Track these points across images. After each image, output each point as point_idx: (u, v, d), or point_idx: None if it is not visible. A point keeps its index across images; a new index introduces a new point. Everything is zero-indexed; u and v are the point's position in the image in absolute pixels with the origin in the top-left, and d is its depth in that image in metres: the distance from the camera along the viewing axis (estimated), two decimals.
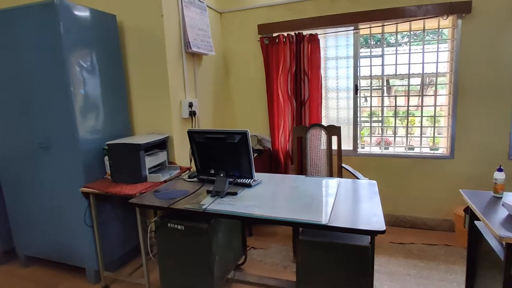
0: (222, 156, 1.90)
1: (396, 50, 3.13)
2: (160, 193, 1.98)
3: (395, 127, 3.19)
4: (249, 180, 2.00)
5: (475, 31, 2.74)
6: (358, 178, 2.56)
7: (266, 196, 1.84)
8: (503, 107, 2.76)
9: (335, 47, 3.24)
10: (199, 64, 2.98)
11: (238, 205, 1.71)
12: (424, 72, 3.03)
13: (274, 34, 3.22)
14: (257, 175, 2.25)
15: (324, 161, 2.98)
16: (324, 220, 1.45)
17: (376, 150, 3.30)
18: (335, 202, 1.70)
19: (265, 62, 3.24)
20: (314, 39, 3.07)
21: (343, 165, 2.95)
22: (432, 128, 3.11)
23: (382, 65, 3.12)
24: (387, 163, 3.15)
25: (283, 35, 3.14)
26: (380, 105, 3.25)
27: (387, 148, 3.31)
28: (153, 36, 2.46)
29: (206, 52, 2.88)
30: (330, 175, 3.00)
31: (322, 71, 3.21)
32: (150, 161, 2.26)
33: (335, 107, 3.32)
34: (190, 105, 2.73)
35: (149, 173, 2.23)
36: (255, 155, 2.94)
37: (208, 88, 3.17)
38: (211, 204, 1.73)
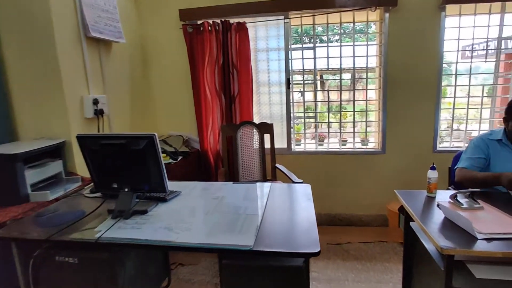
0: (125, 166, 1.51)
1: (328, 43, 3.01)
2: (43, 218, 1.52)
3: (328, 122, 3.08)
4: (165, 193, 1.65)
5: (402, 24, 2.72)
6: (292, 181, 2.36)
7: (184, 212, 1.51)
8: (428, 100, 2.81)
9: (265, 38, 3.01)
10: (108, 54, 2.50)
11: (145, 229, 1.35)
12: (355, 66, 2.96)
13: (199, 22, 2.87)
14: (178, 184, 1.91)
15: (257, 162, 2.74)
16: (248, 244, 1.18)
17: (311, 147, 3.17)
18: (264, 217, 1.44)
19: (189, 53, 2.88)
20: (242, 28, 2.79)
21: (277, 165, 2.74)
22: (365, 123, 3.07)
23: (314, 58, 2.98)
24: (322, 160, 3.03)
25: (208, 22, 2.80)
26: (314, 100, 3.12)
27: (322, 145, 3.20)
28: (35, 16, 1.93)
29: (114, 39, 2.41)
30: (264, 177, 2.77)
31: (252, 64, 2.96)
32: (35, 175, 1.76)
33: (267, 102, 3.10)
34: (95, 102, 2.25)
35: (33, 190, 1.73)
36: (179, 158, 2.58)
37: (122, 82, 2.70)
38: (108, 230, 1.34)
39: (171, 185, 1.89)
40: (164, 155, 2.51)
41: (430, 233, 1.24)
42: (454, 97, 2.93)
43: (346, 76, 3.30)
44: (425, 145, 2.87)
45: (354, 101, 3.02)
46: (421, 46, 2.73)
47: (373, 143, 3.08)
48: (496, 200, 1.51)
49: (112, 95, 2.50)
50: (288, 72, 2.95)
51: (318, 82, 3.34)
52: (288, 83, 2.96)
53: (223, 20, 2.77)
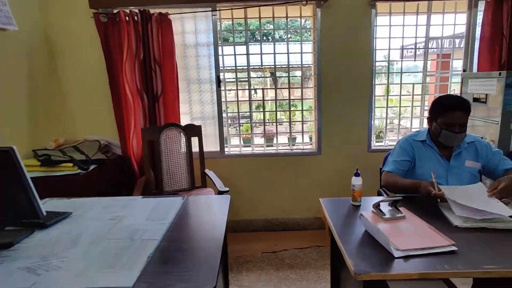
0: None
1: (261, 40, 2.84)
2: None
3: (264, 123, 2.92)
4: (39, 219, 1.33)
5: (334, 20, 2.63)
6: (218, 190, 2.15)
7: (64, 242, 1.22)
8: (362, 98, 2.76)
9: (194, 32, 2.75)
10: None
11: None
12: (290, 64, 2.82)
13: (114, 11, 2.52)
14: (73, 202, 1.60)
15: (183, 169, 2.48)
16: (126, 285, 0.93)
17: (247, 149, 2.98)
18: (163, 242, 1.20)
19: (104, 46, 2.51)
20: (165, 20, 2.50)
21: (206, 171, 2.51)
22: (301, 123, 2.95)
23: (247, 54, 2.79)
24: (257, 163, 2.86)
25: (124, 11, 2.47)
26: (249, 99, 2.94)
27: (248, 147, 3.03)
28: None
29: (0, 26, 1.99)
30: (192, 184, 2.52)
31: (181, 60, 2.70)
32: None
33: (198, 101, 2.85)
34: None
35: None
36: (91, 167, 2.23)
37: (17, 79, 2.28)
38: None
39: (64, 204, 1.59)
40: (70, 164, 2.15)
41: (347, 252, 1.10)
42: (387, 95, 2.93)
43: (297, 73, 3.15)
44: (360, 144, 2.83)
45: (290, 99, 2.89)
46: (354, 43, 2.67)
47: (310, 143, 2.97)
48: (419, 207, 1.43)
49: (3, 95, 2.08)
50: (218, 69, 2.72)
51: (250, 80, 3.13)
52: (218, 81, 2.73)
53: (141, 9, 2.46)
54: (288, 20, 2.78)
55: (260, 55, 2.81)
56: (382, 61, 2.84)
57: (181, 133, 2.48)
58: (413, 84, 3.00)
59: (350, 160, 2.81)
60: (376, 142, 2.96)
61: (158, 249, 1.14)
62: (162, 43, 2.52)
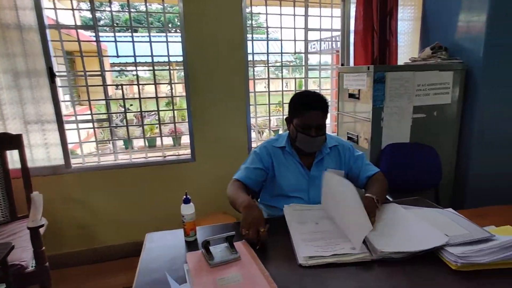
0: None
1: (114, 29, 2.29)
2: None
3: (127, 126, 2.39)
4: None
5: (200, 8, 2.24)
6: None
7: None
8: (238, 95, 2.44)
9: (13, 8, 2.04)
10: None
11: None
12: (155, 60, 2.34)
13: None
14: None
15: None
16: None
17: (107, 159, 2.41)
18: None
19: None
20: None
21: (33, 194, 1.87)
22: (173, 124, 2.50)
23: (98, 41, 2.22)
24: (119, 176, 2.32)
25: None
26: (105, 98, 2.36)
27: (110, 155, 2.48)
28: None
29: None
30: (13, 214, 1.87)
31: None
32: None
33: (31, 101, 2.15)
34: None
35: None
36: None
37: None
38: None
39: None
40: None
41: None
42: (269, 91, 2.67)
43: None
44: (240, 146, 2.52)
45: (157, 98, 2.41)
46: (223, 34, 2.32)
47: (160, 150, 2.54)
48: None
49: None
50: (48, 57, 2.07)
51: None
52: (51, 73, 2.09)
53: None
54: (148, 5, 2.29)
55: (114, 43, 2.26)
56: (259, 53, 2.56)
57: None
58: (295, 79, 2.81)
59: (230, 165, 2.46)
60: (260, 143, 2.69)
61: None
62: None
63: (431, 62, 2.19)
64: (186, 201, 1.09)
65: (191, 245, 1.10)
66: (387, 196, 1.62)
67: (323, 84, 2.83)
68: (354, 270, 0.94)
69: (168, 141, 2.91)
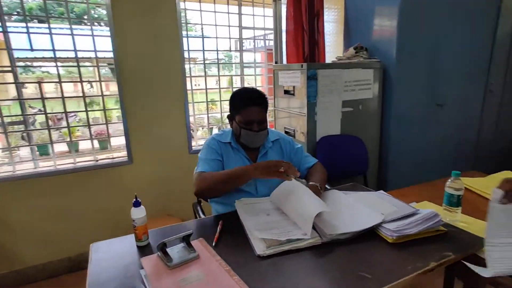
0: None
1: (26, 22, 2.02)
2: None
3: (49, 128, 2.14)
4: None
5: (127, 5, 2.11)
6: None
7: None
8: (175, 93, 2.37)
9: None
10: None
11: None
12: (78, 55, 2.13)
13: None
14: None
15: None
16: None
17: (23, 168, 2.13)
18: None
19: None
20: None
21: None
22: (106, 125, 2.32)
23: (5, 32, 1.93)
24: (39, 186, 2.07)
25: None
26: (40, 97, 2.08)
27: (42, 161, 2.21)
28: None
29: None
30: None
31: None
32: None
33: None
34: None
35: None
36: None
37: None
38: None
39: None
40: None
41: None
42: (206, 89, 2.64)
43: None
44: (180, 146, 2.46)
45: (84, 97, 2.20)
46: (157, 30, 2.23)
47: (88, 154, 2.38)
48: (224, 229, 1.13)
49: None
50: None
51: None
52: None
53: None
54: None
55: (26, 34, 2.00)
56: (194, 51, 2.52)
57: None
58: (232, 76, 2.84)
59: (170, 165, 2.40)
60: (200, 141, 2.66)
61: None
62: None
63: (354, 61, 2.42)
64: (136, 204, 1.04)
65: (144, 250, 1.05)
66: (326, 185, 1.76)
67: (253, 82, 2.92)
68: (308, 255, 1.00)
69: (90, 144, 2.67)
